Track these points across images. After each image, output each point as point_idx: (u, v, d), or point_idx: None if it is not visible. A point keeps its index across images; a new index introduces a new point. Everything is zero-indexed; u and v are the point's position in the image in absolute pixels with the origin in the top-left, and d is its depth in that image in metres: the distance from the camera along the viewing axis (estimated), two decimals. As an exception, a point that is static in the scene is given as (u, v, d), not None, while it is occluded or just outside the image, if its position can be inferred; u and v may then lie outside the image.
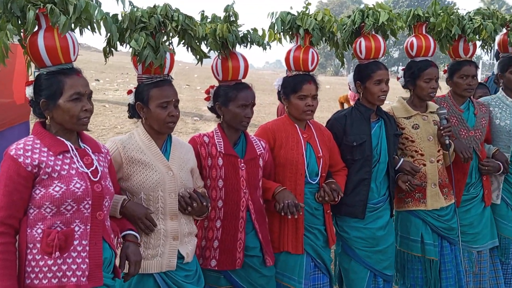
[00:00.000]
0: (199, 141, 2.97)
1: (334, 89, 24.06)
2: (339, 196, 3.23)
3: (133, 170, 2.62)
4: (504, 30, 4.10)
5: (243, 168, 2.98)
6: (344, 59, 3.74)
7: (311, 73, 3.33)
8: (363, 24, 3.49)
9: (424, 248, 3.64)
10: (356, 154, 3.42)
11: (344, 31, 3.57)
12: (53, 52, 2.24)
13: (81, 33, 2.35)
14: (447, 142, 3.53)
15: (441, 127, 3.54)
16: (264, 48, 3.00)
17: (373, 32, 3.52)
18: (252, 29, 3.00)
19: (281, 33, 3.27)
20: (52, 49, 2.23)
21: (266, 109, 15.71)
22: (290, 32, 3.30)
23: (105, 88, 18.36)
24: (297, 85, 3.21)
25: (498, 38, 4.08)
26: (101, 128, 11.53)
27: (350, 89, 3.62)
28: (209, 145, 2.97)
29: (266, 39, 3.04)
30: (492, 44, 4.02)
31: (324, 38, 3.39)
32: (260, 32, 3.05)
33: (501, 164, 3.83)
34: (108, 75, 22.15)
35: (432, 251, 3.63)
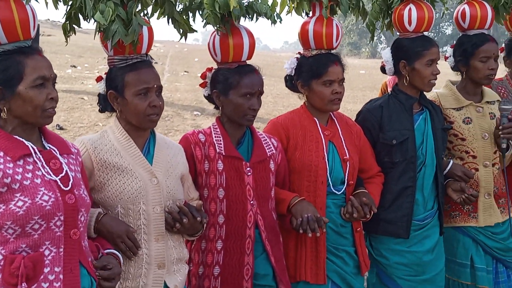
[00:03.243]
0: (193, 140, 2.94)
1: (370, 75, 23.93)
2: (372, 212, 3.18)
3: (107, 177, 2.59)
4: None
5: (249, 174, 2.95)
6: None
7: (334, 51, 3.29)
8: None
9: (475, 274, 3.59)
10: (396, 156, 3.38)
11: None
12: (10, 26, 2.21)
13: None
14: (504, 146, 3.49)
15: (500, 126, 3.47)
16: (274, 22, 2.95)
17: None
18: None
19: (298, 3, 3.21)
20: (8, 22, 2.21)
21: (284, 100, 15.67)
22: (310, 1, 3.25)
23: (84, 76, 18.44)
24: (321, 68, 3.17)
25: None
26: (78, 125, 11.57)
27: (384, 70, 3.56)
28: (206, 145, 2.94)
29: (277, 9, 2.97)
30: None
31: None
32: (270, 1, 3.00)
33: None
34: (87, 60, 22.30)
35: (485, 278, 3.59)
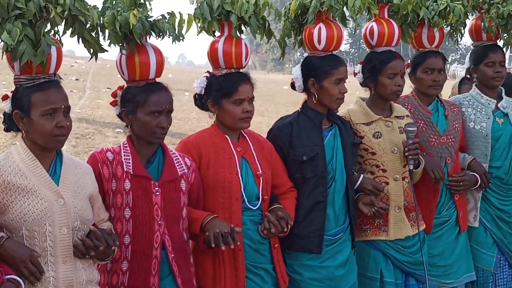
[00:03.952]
0: (100, 159, 2.90)
1: (293, 91, 24.12)
2: (289, 226, 3.21)
3: (11, 199, 2.53)
4: (476, 14, 4.20)
5: (157, 193, 2.92)
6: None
7: (243, 70, 3.32)
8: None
9: None
10: (307, 171, 3.43)
11: (300, 13, 3.57)
12: None
13: None
14: (411, 167, 3.59)
15: (406, 148, 3.59)
16: (177, 40, 2.95)
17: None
18: (168, 13, 2.93)
19: (208, 22, 3.20)
20: None
21: (208, 117, 15.72)
22: (218, 21, 3.25)
23: (-5, 93, 17.88)
24: (231, 87, 3.19)
25: (469, 23, 4.20)
26: (-27, 147, 11.19)
27: (294, 86, 3.61)
28: (114, 164, 2.91)
29: (184, 28, 2.98)
30: (463, 31, 4.14)
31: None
32: (183, 18, 2.98)
33: (478, 177, 3.92)
34: (-1, 77, 21.56)
35: None
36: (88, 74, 26.02)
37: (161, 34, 2.92)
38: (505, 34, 4.15)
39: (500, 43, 4.23)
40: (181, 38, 2.96)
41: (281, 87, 26.87)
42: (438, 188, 3.86)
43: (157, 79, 3.03)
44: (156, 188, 2.93)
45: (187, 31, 2.99)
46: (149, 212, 2.90)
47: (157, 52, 2.99)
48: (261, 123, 14.80)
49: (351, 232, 3.58)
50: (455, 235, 3.95)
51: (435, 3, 3.82)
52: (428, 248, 3.83)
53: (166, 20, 2.90)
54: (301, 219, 3.41)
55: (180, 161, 3.06)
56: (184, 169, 3.04)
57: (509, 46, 4.23)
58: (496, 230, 4.08)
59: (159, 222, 2.92)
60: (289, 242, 3.41)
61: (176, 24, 2.93)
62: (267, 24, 3.39)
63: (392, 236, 3.65)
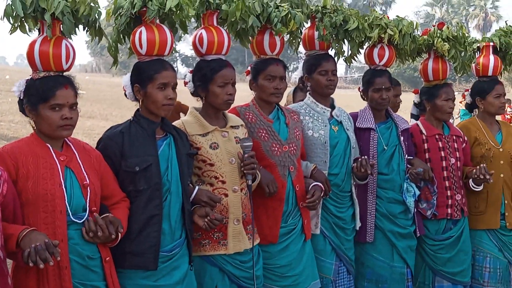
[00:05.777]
0: None
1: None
2: (119, 233, 2.98)
3: None
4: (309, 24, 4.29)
5: None
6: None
7: (66, 73, 3.08)
8: (145, 9, 3.30)
9: None
10: (140, 183, 3.23)
11: (119, 17, 3.37)
12: None
13: None
14: (250, 182, 3.52)
15: (242, 164, 3.51)
16: None
17: (158, 21, 3.37)
18: None
19: (21, 20, 2.93)
20: None
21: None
22: (34, 18, 2.99)
23: None
24: (48, 91, 2.95)
25: (303, 32, 4.26)
26: None
27: (126, 95, 3.41)
28: None
29: None
30: (299, 40, 4.18)
31: (80, 25, 3.14)
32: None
33: (321, 186, 3.93)
34: None
35: None
36: None
37: None
38: (337, 44, 4.25)
39: (332, 52, 4.33)
40: None
41: (129, 90, 26.60)
42: (283, 197, 3.82)
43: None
44: None
45: None
46: None
47: None
48: (104, 127, 14.33)
49: (188, 246, 3.41)
50: (302, 243, 3.93)
51: (277, 10, 3.80)
52: (275, 260, 3.80)
53: None
54: (135, 234, 3.20)
55: None
56: None
57: (340, 56, 4.35)
58: (334, 237, 4.15)
59: None
60: (122, 259, 3.18)
61: None
62: (97, 24, 3.19)
63: (231, 250, 3.53)
